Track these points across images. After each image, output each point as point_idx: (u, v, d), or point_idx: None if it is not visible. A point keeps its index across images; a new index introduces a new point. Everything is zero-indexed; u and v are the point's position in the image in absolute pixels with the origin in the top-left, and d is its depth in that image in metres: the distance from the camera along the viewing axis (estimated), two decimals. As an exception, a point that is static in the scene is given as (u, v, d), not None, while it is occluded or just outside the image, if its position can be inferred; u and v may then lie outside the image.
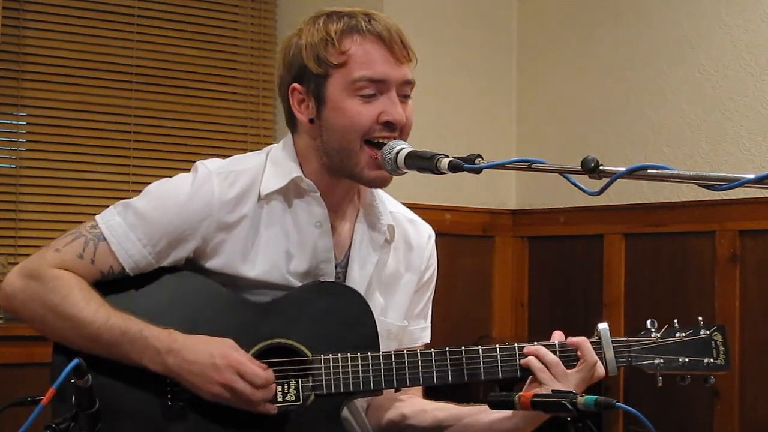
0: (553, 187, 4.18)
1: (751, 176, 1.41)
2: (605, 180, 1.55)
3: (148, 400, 1.83)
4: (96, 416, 1.56)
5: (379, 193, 2.04)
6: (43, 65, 3.87)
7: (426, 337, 2.16)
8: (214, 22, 4.23)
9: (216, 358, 1.77)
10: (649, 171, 1.52)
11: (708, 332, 1.97)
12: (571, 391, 1.58)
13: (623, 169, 1.52)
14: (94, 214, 1.93)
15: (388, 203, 2.07)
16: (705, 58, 3.78)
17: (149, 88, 4.07)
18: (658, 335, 1.98)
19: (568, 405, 1.53)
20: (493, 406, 1.71)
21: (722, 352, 1.97)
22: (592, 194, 1.57)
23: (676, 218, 3.80)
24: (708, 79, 3.77)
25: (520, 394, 1.63)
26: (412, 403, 2.08)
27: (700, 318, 2.01)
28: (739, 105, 3.66)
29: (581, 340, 1.93)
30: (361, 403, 2.03)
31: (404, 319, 2.08)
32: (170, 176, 1.97)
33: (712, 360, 1.96)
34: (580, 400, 1.53)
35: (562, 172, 1.61)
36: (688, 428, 3.62)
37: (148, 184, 1.97)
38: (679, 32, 3.87)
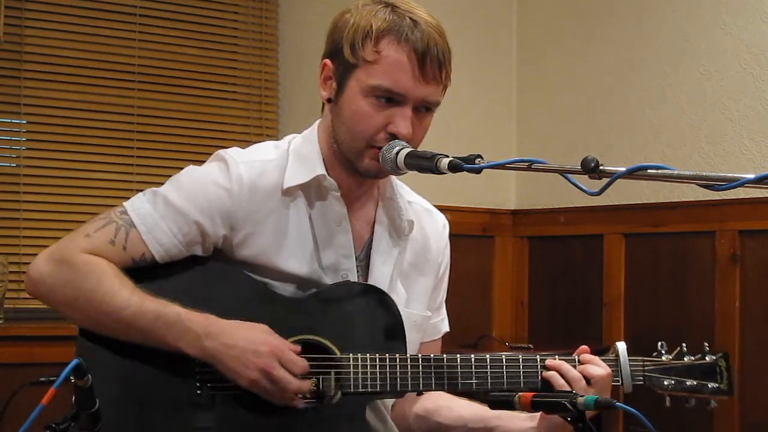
0: (553, 187, 4.19)
1: (751, 176, 1.42)
2: (605, 180, 1.55)
3: (176, 388, 1.81)
4: (96, 416, 1.56)
5: (397, 184, 2.04)
6: (45, 65, 3.88)
7: (446, 327, 2.18)
8: (216, 21, 4.23)
9: (257, 344, 1.76)
10: (649, 171, 1.52)
11: (714, 358, 2.03)
12: (571, 391, 1.58)
13: (623, 169, 1.52)
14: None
15: (406, 194, 2.06)
16: (705, 58, 3.78)
17: (152, 87, 4.07)
18: (670, 357, 2.02)
19: (568, 405, 1.54)
20: (493, 406, 1.71)
21: (725, 378, 2.02)
22: (592, 194, 1.58)
23: (676, 218, 3.81)
24: (708, 79, 3.77)
25: (520, 394, 1.63)
26: (436, 398, 2.08)
27: (706, 344, 2.05)
28: (739, 105, 3.67)
29: (558, 364, 1.92)
30: (386, 403, 2.03)
31: (427, 309, 2.08)
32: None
33: (716, 385, 2.02)
34: (580, 400, 1.53)
35: (562, 172, 1.62)
36: (688, 428, 3.62)
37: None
38: (679, 32, 3.88)
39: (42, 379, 1.89)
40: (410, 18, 1.84)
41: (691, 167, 3.72)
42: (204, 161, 2.00)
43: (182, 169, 1.96)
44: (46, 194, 3.86)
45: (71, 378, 1.47)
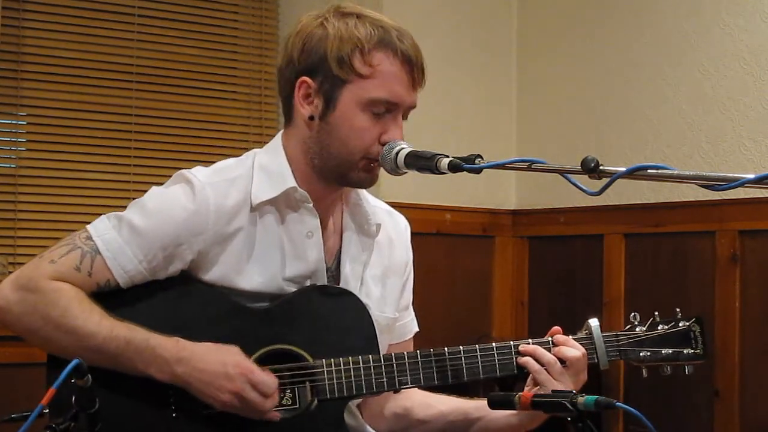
0: (553, 187, 4.18)
1: (751, 176, 1.42)
2: (605, 180, 1.55)
3: (151, 412, 1.81)
4: (96, 416, 1.55)
5: (359, 190, 2.04)
6: (43, 65, 3.87)
7: (416, 326, 2.18)
8: (215, 21, 4.22)
9: (228, 367, 1.76)
10: (649, 171, 1.52)
11: (687, 324, 2.04)
12: (571, 391, 1.58)
13: (623, 169, 1.52)
14: (95, 215, 1.91)
15: (370, 199, 2.07)
16: (705, 58, 3.78)
17: (150, 87, 4.06)
18: (644, 328, 2.03)
19: (568, 405, 1.53)
20: (493, 405, 1.71)
21: (700, 343, 2.04)
22: (592, 194, 1.58)
23: (676, 218, 3.81)
24: (708, 79, 3.77)
25: (520, 393, 1.63)
26: (413, 395, 2.08)
27: (678, 309, 2.06)
28: (739, 105, 3.66)
29: (532, 349, 1.93)
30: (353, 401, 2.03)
31: (396, 311, 2.09)
32: (164, 181, 1.95)
33: (691, 350, 2.03)
34: (580, 400, 1.53)
35: (562, 172, 1.62)
36: (688, 428, 3.62)
37: (150, 184, 1.96)
38: (679, 32, 3.87)
39: (14, 415, 1.89)
40: (393, 28, 1.86)
41: (691, 167, 3.72)
42: (203, 162, 1.98)
43: (181, 169, 1.95)
44: (44, 195, 3.85)
45: (71, 378, 1.47)
